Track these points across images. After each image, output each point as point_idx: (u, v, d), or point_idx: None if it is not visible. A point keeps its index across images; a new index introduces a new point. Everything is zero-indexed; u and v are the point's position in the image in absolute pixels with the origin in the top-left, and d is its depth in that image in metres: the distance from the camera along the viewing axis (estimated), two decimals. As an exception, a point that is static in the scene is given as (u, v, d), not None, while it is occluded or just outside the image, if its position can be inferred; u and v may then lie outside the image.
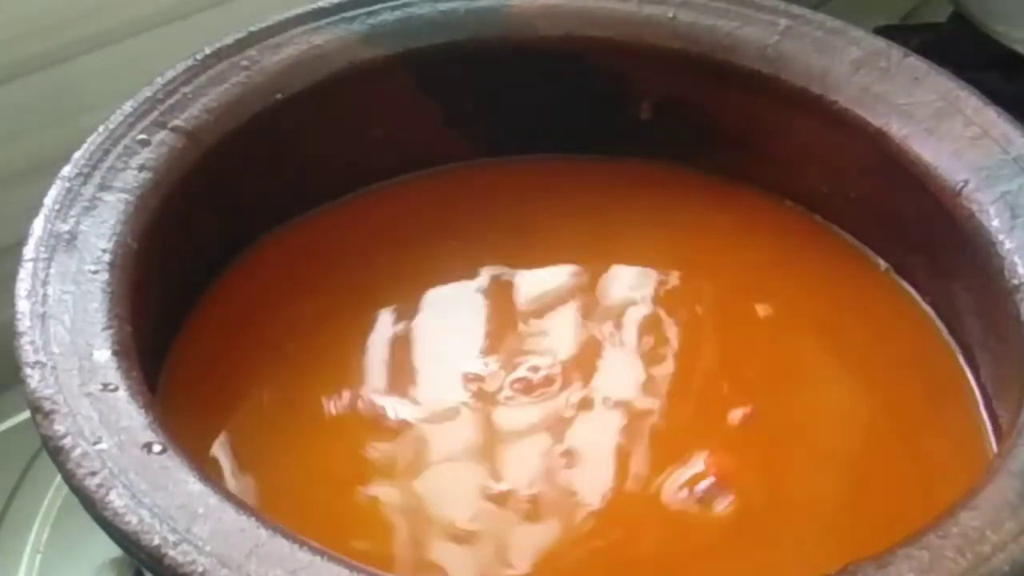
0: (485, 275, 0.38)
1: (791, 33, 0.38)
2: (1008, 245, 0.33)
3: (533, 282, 0.38)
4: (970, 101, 0.36)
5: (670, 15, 0.39)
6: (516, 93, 0.40)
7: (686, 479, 0.32)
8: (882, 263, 0.38)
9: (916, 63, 0.37)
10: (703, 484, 0.32)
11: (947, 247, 0.35)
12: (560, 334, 0.36)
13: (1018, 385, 0.31)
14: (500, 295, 0.38)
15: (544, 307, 0.37)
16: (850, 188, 0.38)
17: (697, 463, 0.32)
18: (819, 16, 0.38)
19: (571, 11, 0.39)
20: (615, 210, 0.40)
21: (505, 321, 0.37)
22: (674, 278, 0.38)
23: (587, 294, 0.38)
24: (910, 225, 0.37)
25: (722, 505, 0.31)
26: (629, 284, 0.38)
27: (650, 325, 0.37)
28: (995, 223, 0.33)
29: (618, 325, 0.37)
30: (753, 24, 0.38)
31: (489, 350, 0.36)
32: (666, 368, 0.36)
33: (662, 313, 0.37)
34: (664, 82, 0.39)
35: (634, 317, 0.37)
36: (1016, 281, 0.32)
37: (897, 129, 0.36)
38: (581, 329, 0.37)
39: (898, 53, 0.37)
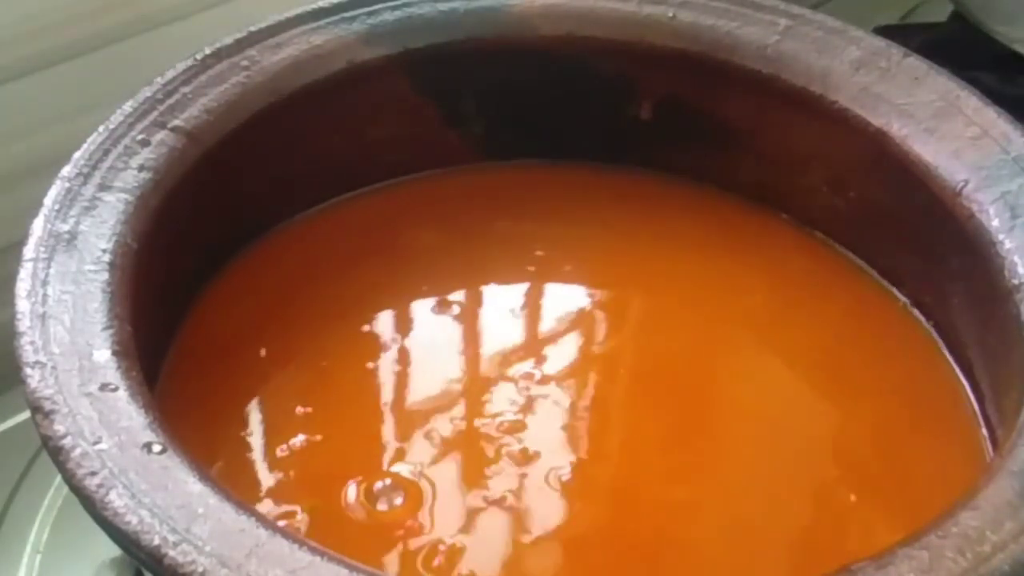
0: (479, 282, 0.38)
1: (791, 33, 0.38)
2: (1008, 245, 0.33)
3: (528, 293, 0.38)
4: (970, 101, 0.36)
5: (670, 15, 0.39)
6: (516, 93, 0.40)
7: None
8: (887, 283, 0.38)
9: (916, 63, 0.37)
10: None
11: (946, 247, 0.35)
12: (553, 348, 0.36)
13: (1018, 385, 0.31)
14: (495, 306, 0.38)
15: (536, 320, 0.37)
16: (850, 188, 0.38)
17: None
18: (819, 16, 0.38)
19: (571, 11, 0.39)
20: (613, 223, 0.40)
21: (495, 334, 0.37)
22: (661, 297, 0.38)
23: (577, 308, 0.38)
24: (909, 225, 0.36)
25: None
26: (615, 302, 0.38)
27: (631, 346, 0.37)
28: (995, 223, 0.33)
29: (603, 341, 0.37)
30: (753, 24, 0.38)
31: (476, 364, 0.36)
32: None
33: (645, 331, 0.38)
34: (664, 82, 0.39)
35: (619, 335, 0.37)
36: (1016, 281, 0.32)
37: (897, 129, 0.36)
38: (569, 344, 0.37)
39: (898, 53, 0.37)
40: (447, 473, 0.33)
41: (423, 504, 0.32)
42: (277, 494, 0.32)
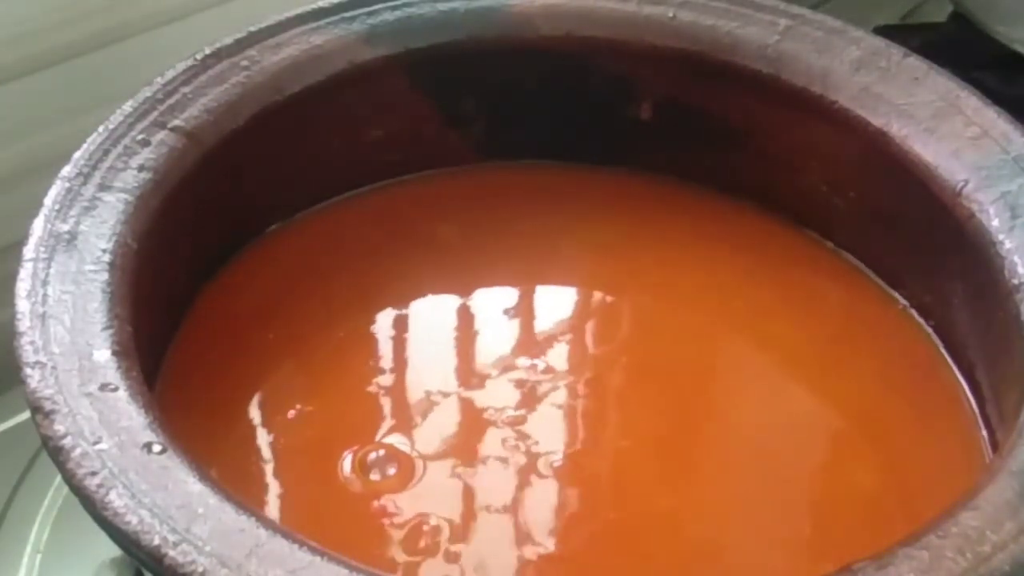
0: (481, 280, 0.38)
1: (791, 33, 0.38)
2: (1008, 245, 0.33)
3: (527, 292, 0.38)
4: (970, 101, 0.36)
5: (670, 15, 0.39)
6: (516, 93, 0.40)
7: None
8: (887, 283, 0.38)
9: (916, 63, 0.37)
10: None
11: (946, 247, 0.35)
12: (551, 346, 0.36)
13: (1018, 386, 0.31)
14: (494, 302, 0.38)
15: (535, 319, 0.38)
16: (849, 188, 0.38)
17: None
18: (819, 16, 0.38)
19: (571, 11, 0.39)
20: (612, 224, 0.40)
21: (495, 328, 0.37)
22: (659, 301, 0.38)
23: (575, 313, 0.38)
24: (909, 225, 0.37)
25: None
26: (614, 303, 0.39)
27: (628, 347, 0.37)
28: (995, 223, 0.33)
29: (601, 342, 0.37)
30: (753, 24, 0.38)
31: (477, 356, 0.36)
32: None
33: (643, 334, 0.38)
34: (664, 82, 0.39)
35: (617, 336, 0.38)
36: (1016, 281, 0.32)
37: (897, 129, 0.36)
38: (567, 344, 0.37)
39: (898, 53, 0.37)
40: (440, 452, 0.33)
41: (414, 477, 0.32)
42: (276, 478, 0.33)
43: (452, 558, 0.31)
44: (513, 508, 0.32)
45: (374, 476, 0.32)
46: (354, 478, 0.32)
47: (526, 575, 0.31)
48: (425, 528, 0.31)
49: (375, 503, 0.32)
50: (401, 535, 0.31)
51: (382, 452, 0.33)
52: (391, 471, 0.32)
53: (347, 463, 0.32)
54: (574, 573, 0.31)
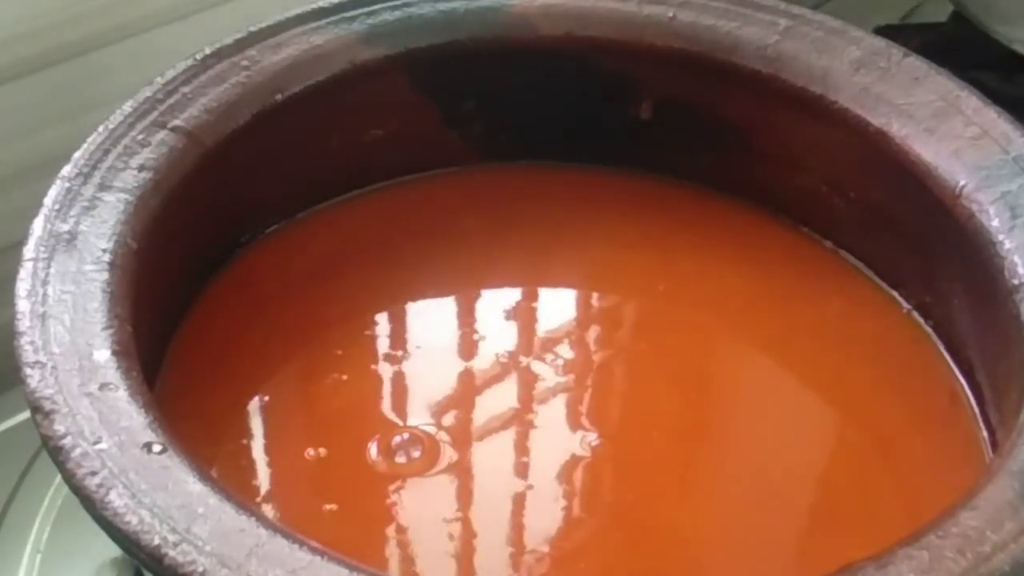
0: (480, 281, 0.38)
1: (791, 33, 0.38)
2: (1008, 245, 0.33)
3: (525, 295, 0.38)
4: (970, 101, 0.36)
5: (670, 15, 0.39)
6: (516, 93, 0.40)
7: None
8: (887, 284, 0.38)
9: (916, 63, 0.37)
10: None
11: (946, 247, 0.35)
12: (552, 347, 0.37)
13: (1017, 386, 0.31)
14: (494, 303, 0.38)
15: (535, 321, 0.38)
16: (849, 188, 0.38)
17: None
18: (819, 16, 0.38)
19: (571, 11, 0.39)
20: (610, 225, 0.40)
21: (495, 329, 0.37)
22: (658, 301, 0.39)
23: (578, 311, 0.38)
24: (909, 225, 0.37)
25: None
26: (614, 304, 0.39)
27: (629, 346, 0.38)
28: (995, 223, 0.33)
29: (600, 343, 0.37)
30: (753, 24, 0.38)
31: (476, 356, 0.36)
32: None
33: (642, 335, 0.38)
34: (664, 82, 0.39)
35: (617, 336, 0.38)
36: (1016, 281, 0.32)
37: (897, 129, 0.36)
38: (568, 344, 0.37)
39: (898, 53, 0.37)
40: (461, 441, 0.34)
41: (438, 462, 0.33)
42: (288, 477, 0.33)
43: (462, 538, 0.31)
44: (523, 496, 0.33)
45: (400, 459, 0.33)
46: (380, 461, 0.32)
47: (530, 561, 0.31)
48: (440, 509, 0.32)
49: (392, 488, 0.32)
50: (416, 515, 0.32)
51: (407, 436, 0.33)
52: (416, 454, 0.33)
53: (350, 460, 0.33)
54: (571, 564, 0.31)
